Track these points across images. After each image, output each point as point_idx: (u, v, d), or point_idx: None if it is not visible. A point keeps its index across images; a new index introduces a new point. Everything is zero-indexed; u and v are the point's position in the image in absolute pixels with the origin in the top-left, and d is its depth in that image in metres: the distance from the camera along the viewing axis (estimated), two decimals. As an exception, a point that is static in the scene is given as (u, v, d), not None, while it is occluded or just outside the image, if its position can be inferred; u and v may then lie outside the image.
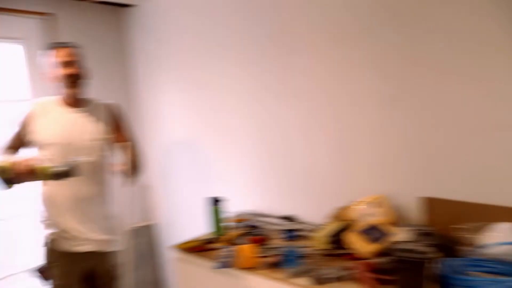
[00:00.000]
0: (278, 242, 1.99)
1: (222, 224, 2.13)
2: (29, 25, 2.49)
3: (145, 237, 3.07)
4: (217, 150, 2.59)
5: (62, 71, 1.91)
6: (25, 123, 1.94)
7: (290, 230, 1.68)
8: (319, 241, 1.82)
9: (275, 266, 1.69)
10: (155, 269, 3.17)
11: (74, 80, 1.93)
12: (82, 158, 1.77)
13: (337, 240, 1.80)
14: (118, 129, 2.09)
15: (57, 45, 1.95)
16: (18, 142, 1.92)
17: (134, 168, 2.02)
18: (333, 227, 1.84)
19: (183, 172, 2.85)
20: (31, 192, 2.47)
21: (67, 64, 1.91)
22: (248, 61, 2.32)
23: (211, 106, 2.57)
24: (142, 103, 3.03)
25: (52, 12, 2.56)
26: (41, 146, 1.90)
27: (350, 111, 1.93)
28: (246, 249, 1.75)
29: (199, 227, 2.40)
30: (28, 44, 2.48)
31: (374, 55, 1.81)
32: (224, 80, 2.46)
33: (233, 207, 2.38)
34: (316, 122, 2.08)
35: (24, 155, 1.75)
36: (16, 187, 1.66)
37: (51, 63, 1.93)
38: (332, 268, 1.59)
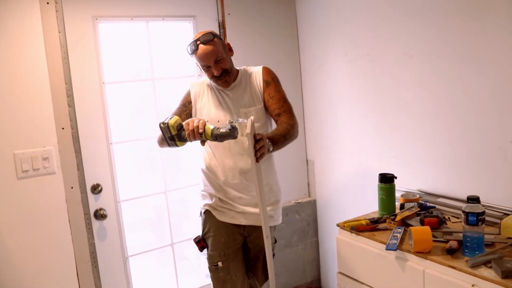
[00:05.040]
0: (456, 226, 1.91)
1: (391, 203, 2.12)
2: (198, 2, 2.76)
3: (305, 213, 3.21)
4: (384, 124, 2.55)
5: (206, 74, 2.07)
6: (185, 103, 2.19)
7: (473, 214, 1.59)
8: (509, 228, 1.69)
9: (453, 252, 1.64)
10: (314, 246, 3.30)
11: (219, 78, 2.05)
12: (245, 120, 1.90)
13: (532, 228, 1.65)
14: (270, 96, 2.10)
15: (194, 47, 2.02)
16: (181, 118, 2.06)
17: (275, 140, 1.84)
18: (528, 213, 1.69)
19: (346, 147, 2.88)
20: (197, 165, 2.79)
21: (208, 67, 2.03)
22: (424, 24, 2.22)
23: (380, 76, 2.53)
24: (309, 75, 3.12)
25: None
26: None
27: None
28: (421, 232, 1.72)
29: (360, 205, 2.41)
30: (197, 21, 2.76)
31: None
32: (396, 49, 2.39)
33: (402, 185, 2.34)
34: (510, 93, 1.89)
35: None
36: (179, 147, 1.87)
37: (196, 64, 2.10)
38: (524, 261, 1.47)
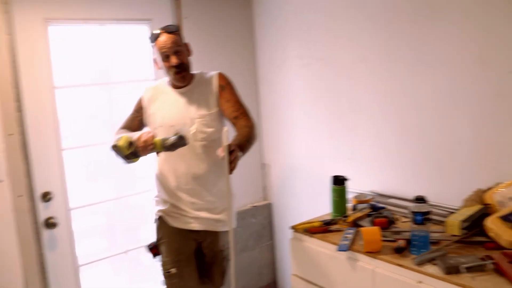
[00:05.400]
0: (405, 225, 1.98)
1: (344, 205, 2.17)
2: (154, 6, 2.75)
3: (261, 217, 3.24)
4: (339, 126, 2.61)
5: (164, 63, 2.08)
6: (138, 108, 2.21)
7: (420, 213, 1.66)
8: (453, 226, 1.77)
9: (401, 251, 1.70)
10: (270, 249, 3.33)
11: (177, 70, 2.07)
12: (192, 127, 1.94)
13: (474, 226, 1.74)
14: (226, 100, 2.12)
15: (156, 35, 2.06)
16: (133, 125, 2.19)
17: (242, 146, 1.88)
18: (471, 211, 1.78)
19: (302, 149, 2.93)
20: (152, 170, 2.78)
21: (168, 56, 2.05)
22: (377, 27, 2.31)
23: (335, 79, 2.59)
24: (266, 78, 3.15)
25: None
26: (153, 129, 2.11)
27: (507, 82, 1.83)
28: (370, 232, 1.78)
29: (316, 207, 2.46)
30: (153, 24, 2.72)
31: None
32: (350, 52, 2.47)
33: (356, 186, 2.41)
34: (460, 95, 2.00)
35: (139, 132, 1.98)
36: (136, 162, 1.93)
37: (155, 54, 2.11)
38: (466, 257, 1.56)
